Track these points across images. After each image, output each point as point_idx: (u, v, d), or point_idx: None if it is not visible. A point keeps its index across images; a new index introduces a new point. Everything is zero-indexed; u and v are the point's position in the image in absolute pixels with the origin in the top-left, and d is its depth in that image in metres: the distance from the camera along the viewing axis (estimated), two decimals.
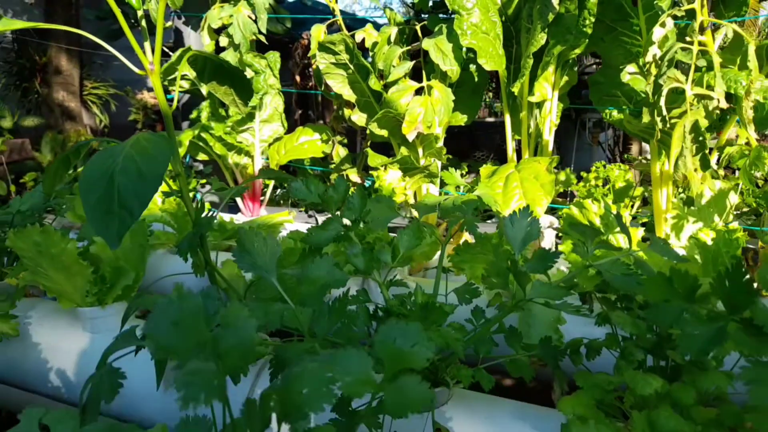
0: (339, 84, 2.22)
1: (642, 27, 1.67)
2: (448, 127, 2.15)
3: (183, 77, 2.56)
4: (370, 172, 2.09)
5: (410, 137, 1.94)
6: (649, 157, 1.75)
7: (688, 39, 1.41)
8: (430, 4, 2.34)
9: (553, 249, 0.96)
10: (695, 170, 1.40)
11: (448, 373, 0.99)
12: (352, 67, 2.15)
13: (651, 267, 0.87)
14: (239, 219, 2.44)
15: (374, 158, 2.10)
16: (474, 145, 6.78)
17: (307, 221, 2.60)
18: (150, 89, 7.82)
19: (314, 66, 2.34)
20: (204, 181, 3.15)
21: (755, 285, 0.75)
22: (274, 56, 2.61)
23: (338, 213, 1.07)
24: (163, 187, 1.38)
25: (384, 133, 2.10)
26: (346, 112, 2.36)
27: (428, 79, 2.00)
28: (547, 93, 1.93)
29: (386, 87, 2.09)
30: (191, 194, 1.12)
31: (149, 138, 0.84)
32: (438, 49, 1.90)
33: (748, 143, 1.61)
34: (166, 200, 1.89)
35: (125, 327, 0.97)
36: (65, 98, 6.62)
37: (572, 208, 1.54)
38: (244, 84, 1.29)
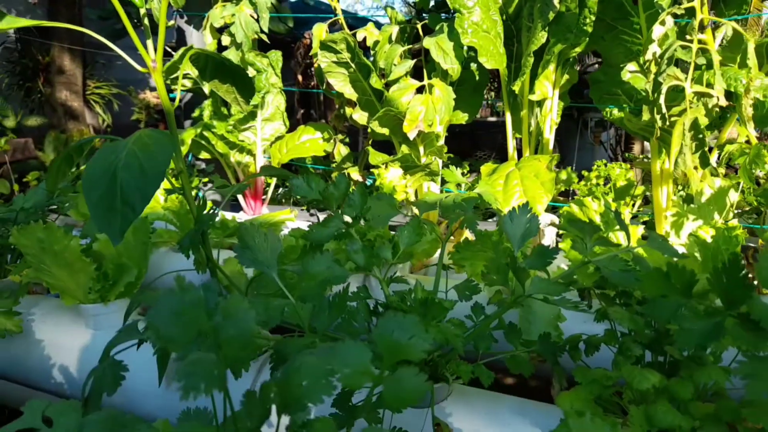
0: (340, 83, 2.22)
1: (642, 25, 1.67)
2: (450, 127, 2.15)
3: (185, 76, 2.57)
4: (372, 170, 2.10)
5: (411, 136, 1.94)
6: (650, 155, 1.75)
7: (688, 37, 1.42)
8: (432, 3, 2.34)
9: (553, 246, 0.96)
10: (695, 168, 1.41)
11: (448, 369, 0.99)
12: (353, 65, 2.16)
13: (649, 263, 0.87)
14: (241, 217, 2.45)
15: (375, 156, 2.11)
16: (476, 144, 6.78)
17: (309, 219, 2.61)
18: (153, 89, 7.84)
19: (316, 65, 2.34)
20: (206, 179, 3.17)
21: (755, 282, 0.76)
22: (276, 55, 2.62)
23: (339, 211, 1.08)
24: (166, 185, 1.39)
25: (385, 131, 2.11)
26: (348, 110, 2.37)
27: (429, 78, 2.01)
28: (547, 91, 1.93)
29: (387, 86, 2.09)
30: (193, 192, 1.12)
31: (151, 135, 0.85)
32: (439, 47, 1.91)
33: (748, 141, 1.61)
34: (168, 198, 1.90)
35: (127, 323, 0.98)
36: (68, 98, 6.64)
37: (572, 205, 1.54)
38: (246, 82, 1.30)
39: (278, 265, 0.90)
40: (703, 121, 1.41)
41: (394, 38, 2.13)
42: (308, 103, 5.62)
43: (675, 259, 0.88)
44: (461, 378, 0.96)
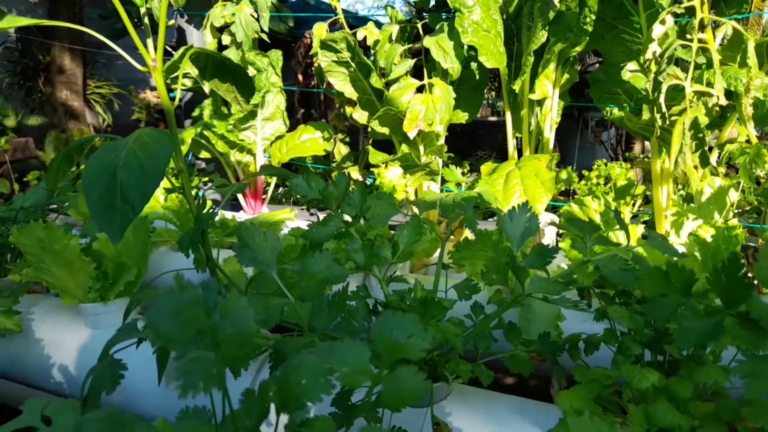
0: (340, 82, 2.22)
1: (643, 24, 1.67)
2: (451, 127, 2.15)
3: (185, 75, 2.57)
4: (372, 169, 2.10)
5: (411, 135, 1.94)
6: (650, 155, 1.75)
7: (688, 36, 1.42)
8: (432, 2, 2.34)
9: (553, 246, 0.96)
10: (695, 167, 1.41)
11: (448, 368, 0.99)
12: (353, 65, 2.16)
13: (649, 262, 0.87)
14: (241, 217, 2.45)
15: (375, 156, 2.11)
16: (476, 144, 6.78)
17: (309, 219, 2.61)
18: (153, 88, 7.85)
19: (316, 64, 2.34)
20: (206, 178, 3.17)
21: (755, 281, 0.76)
22: (276, 54, 2.62)
23: (339, 210, 1.08)
24: (166, 184, 1.39)
25: (385, 130, 2.11)
26: (348, 110, 2.37)
27: (429, 77, 2.01)
28: (547, 91, 1.93)
29: (387, 85, 2.09)
30: (193, 191, 1.12)
31: (151, 134, 0.85)
32: (439, 46, 1.91)
33: (748, 141, 1.61)
34: (168, 197, 1.90)
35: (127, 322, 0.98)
36: (68, 97, 6.64)
37: (572, 205, 1.54)
38: (246, 81, 1.30)
39: (278, 264, 0.90)
40: (703, 120, 1.41)
41: (394, 37, 2.13)
42: (308, 102, 5.62)
43: (675, 258, 0.88)
44: (461, 377, 0.96)
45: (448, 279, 1.15)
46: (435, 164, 2.06)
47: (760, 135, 3.43)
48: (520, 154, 2.01)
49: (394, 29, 2.13)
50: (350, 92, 2.23)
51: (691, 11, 1.42)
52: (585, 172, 2.50)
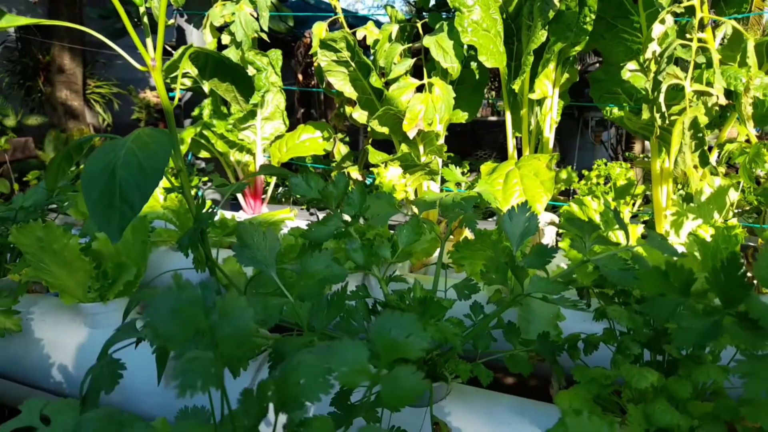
0: (340, 81, 2.22)
1: (642, 24, 1.67)
2: (451, 126, 2.15)
3: (185, 75, 2.57)
4: (371, 169, 2.10)
5: (411, 134, 1.94)
6: (650, 155, 1.75)
7: (688, 36, 1.41)
8: (432, 1, 2.34)
9: (552, 245, 0.97)
10: (695, 167, 1.41)
11: (447, 368, 0.99)
12: (353, 64, 2.15)
13: (648, 262, 0.87)
14: (241, 216, 2.45)
15: (375, 155, 2.11)
16: (476, 143, 6.78)
17: (309, 218, 2.61)
18: (153, 88, 7.85)
19: (316, 64, 2.34)
20: (206, 178, 3.16)
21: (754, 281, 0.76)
22: (276, 54, 2.62)
23: (338, 209, 1.08)
24: (165, 184, 1.39)
25: (385, 130, 2.11)
26: (348, 109, 2.37)
27: (429, 77, 2.01)
28: (547, 90, 1.93)
29: (387, 84, 2.09)
30: (193, 191, 1.12)
31: (150, 133, 0.85)
32: (439, 46, 1.91)
33: (748, 140, 1.61)
34: (167, 197, 1.90)
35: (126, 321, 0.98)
36: (68, 97, 6.65)
37: (572, 204, 1.54)
38: (246, 81, 1.30)
39: (277, 263, 0.90)
40: (703, 119, 1.41)
41: (394, 37, 2.13)
42: (308, 102, 5.62)
43: (674, 258, 0.88)
44: (460, 377, 0.96)
45: (447, 279, 1.15)
46: (435, 164, 2.06)
47: (760, 134, 3.43)
48: (519, 153, 2.01)
49: (394, 29, 2.13)
50: (350, 92, 2.23)
51: (690, 11, 1.42)
52: (585, 172, 2.50)
